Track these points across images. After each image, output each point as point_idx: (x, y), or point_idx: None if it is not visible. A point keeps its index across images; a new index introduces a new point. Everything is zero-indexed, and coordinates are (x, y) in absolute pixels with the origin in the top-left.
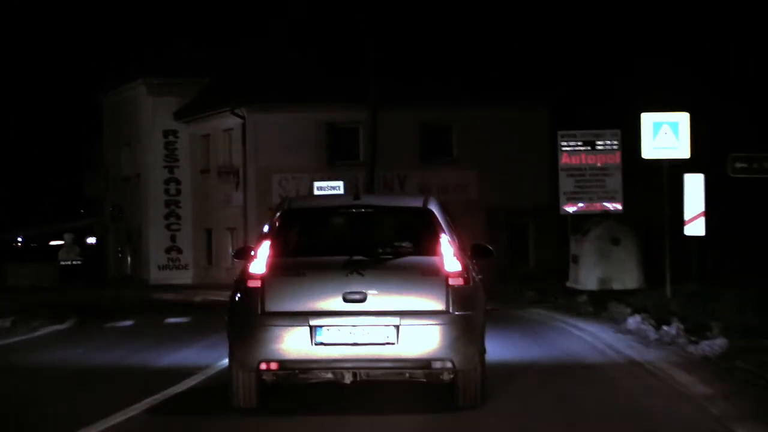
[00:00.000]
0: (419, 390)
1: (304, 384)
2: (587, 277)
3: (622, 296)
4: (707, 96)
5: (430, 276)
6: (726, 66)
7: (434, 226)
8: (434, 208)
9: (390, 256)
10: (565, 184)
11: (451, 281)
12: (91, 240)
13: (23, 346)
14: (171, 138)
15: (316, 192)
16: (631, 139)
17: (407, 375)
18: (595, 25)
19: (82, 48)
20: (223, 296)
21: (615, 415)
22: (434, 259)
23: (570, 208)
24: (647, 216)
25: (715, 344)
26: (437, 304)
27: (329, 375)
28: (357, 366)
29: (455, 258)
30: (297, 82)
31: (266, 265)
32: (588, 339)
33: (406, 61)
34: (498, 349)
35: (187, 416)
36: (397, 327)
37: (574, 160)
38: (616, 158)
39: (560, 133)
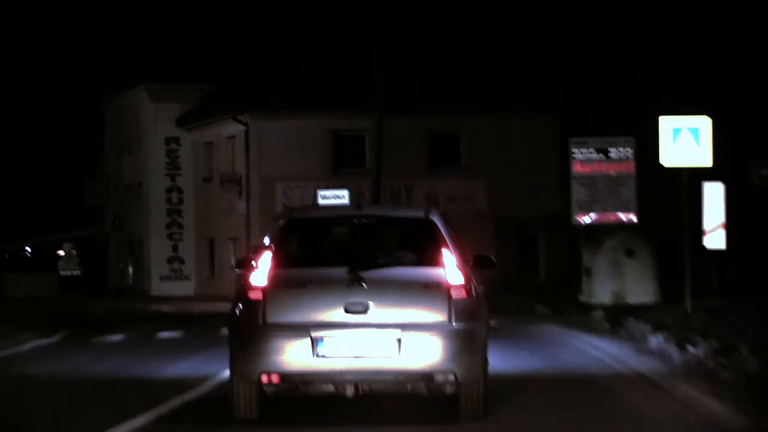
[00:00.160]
0: (421, 402)
1: (305, 396)
2: (600, 291)
3: (639, 311)
4: (726, 101)
5: (432, 288)
6: (745, 71)
7: (436, 238)
8: (436, 219)
9: (392, 268)
10: (578, 193)
11: (453, 293)
12: (90, 250)
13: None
14: (173, 145)
15: (321, 201)
16: (645, 145)
17: (409, 387)
18: (605, 29)
19: (83, 54)
20: (223, 308)
21: None
22: (436, 270)
23: (582, 219)
24: (662, 226)
25: (746, 366)
26: (439, 316)
27: (331, 387)
28: (359, 378)
29: (457, 269)
30: (301, 89)
31: (267, 276)
32: (606, 360)
33: (413, 67)
34: (506, 366)
35: (188, 427)
36: (399, 339)
37: (587, 169)
38: (631, 166)
39: (572, 140)
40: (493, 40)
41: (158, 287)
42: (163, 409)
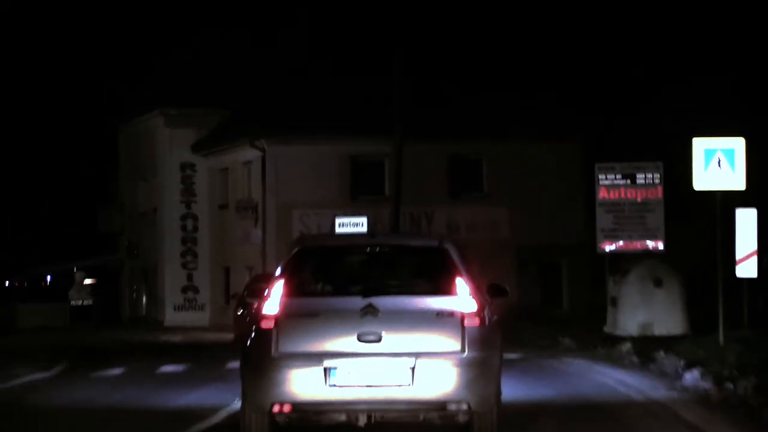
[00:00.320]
0: (433, 431)
1: (317, 425)
2: (627, 322)
3: (668, 343)
4: (753, 120)
5: (445, 316)
6: None
7: (450, 266)
8: (450, 248)
9: (405, 296)
10: (603, 220)
11: (466, 321)
12: (104, 279)
13: None
14: (188, 171)
15: (338, 228)
16: (670, 168)
17: (422, 417)
18: (630, 48)
19: (97, 78)
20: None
21: None
22: (450, 299)
23: (608, 247)
24: (689, 254)
25: None
26: (453, 345)
27: (343, 417)
28: (371, 408)
29: (471, 298)
30: (319, 113)
31: (280, 305)
32: (638, 398)
33: (434, 91)
34: (527, 399)
35: None
36: (413, 368)
37: (613, 195)
38: (658, 192)
39: (598, 165)
40: (516, 63)
41: (172, 317)
42: None
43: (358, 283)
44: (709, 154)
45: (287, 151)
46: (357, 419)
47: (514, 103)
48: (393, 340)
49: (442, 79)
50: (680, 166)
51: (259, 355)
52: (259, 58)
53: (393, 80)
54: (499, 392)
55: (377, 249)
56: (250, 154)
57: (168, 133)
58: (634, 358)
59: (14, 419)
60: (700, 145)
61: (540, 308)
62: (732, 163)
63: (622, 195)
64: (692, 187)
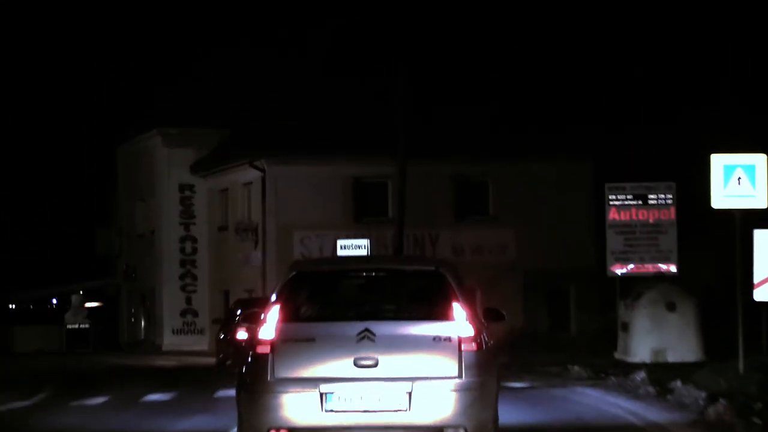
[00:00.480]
0: None
1: None
2: (639, 348)
3: (684, 371)
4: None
5: (442, 341)
6: None
7: (447, 290)
8: (447, 272)
9: (402, 321)
10: (614, 242)
11: (464, 346)
12: (101, 302)
13: None
14: (187, 193)
15: (340, 251)
16: (682, 187)
17: None
18: (642, 64)
19: (94, 97)
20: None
21: None
22: (447, 324)
23: (619, 270)
24: (703, 277)
25: None
26: (450, 370)
27: None
28: None
29: (468, 323)
30: (321, 133)
31: (275, 330)
32: None
33: (439, 111)
34: None
35: None
36: (410, 393)
37: (624, 216)
38: (671, 213)
39: (608, 185)
40: (522, 81)
41: (171, 341)
42: None
43: (354, 307)
44: (728, 170)
45: (288, 172)
46: None
47: (520, 123)
48: (390, 364)
49: (447, 99)
50: (693, 185)
51: (255, 380)
52: (259, 77)
53: (396, 100)
54: (496, 417)
55: (373, 273)
56: (250, 174)
57: (167, 152)
58: (650, 388)
59: None
60: (719, 161)
61: (547, 333)
62: (753, 180)
63: (634, 216)
64: (703, 206)
